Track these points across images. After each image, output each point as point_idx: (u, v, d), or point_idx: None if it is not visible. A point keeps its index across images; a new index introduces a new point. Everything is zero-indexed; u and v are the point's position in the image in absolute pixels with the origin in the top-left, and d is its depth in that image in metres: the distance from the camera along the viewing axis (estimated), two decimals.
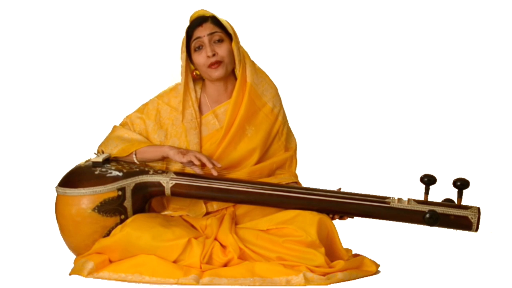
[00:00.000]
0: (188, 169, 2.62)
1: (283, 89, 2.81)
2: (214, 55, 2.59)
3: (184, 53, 2.65)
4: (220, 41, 2.62)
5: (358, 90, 4.20)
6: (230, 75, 2.72)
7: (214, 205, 2.68)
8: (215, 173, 2.51)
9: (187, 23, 2.67)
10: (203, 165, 2.55)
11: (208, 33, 2.59)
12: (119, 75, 4.08)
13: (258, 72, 2.71)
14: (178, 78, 2.72)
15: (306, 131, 3.60)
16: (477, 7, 4.08)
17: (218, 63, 2.60)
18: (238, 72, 2.66)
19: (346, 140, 4.06)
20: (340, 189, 2.60)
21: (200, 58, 2.62)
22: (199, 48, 2.62)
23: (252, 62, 2.71)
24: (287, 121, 2.83)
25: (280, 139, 2.79)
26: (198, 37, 2.60)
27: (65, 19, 4.08)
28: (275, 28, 4.15)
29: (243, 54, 2.67)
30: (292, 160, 2.81)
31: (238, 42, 2.65)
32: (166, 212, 2.69)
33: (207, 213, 2.68)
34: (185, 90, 2.68)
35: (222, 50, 2.61)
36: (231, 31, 2.63)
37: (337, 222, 2.54)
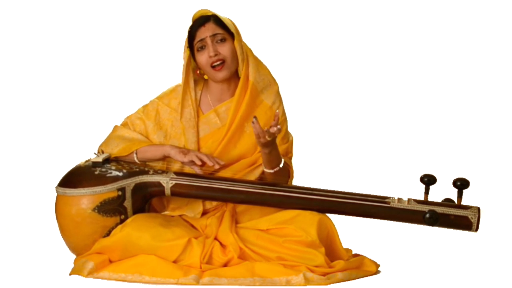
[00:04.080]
0: (188, 169, 2.62)
1: (283, 88, 2.81)
2: (216, 54, 2.60)
3: (186, 52, 2.66)
4: (223, 40, 2.62)
5: (358, 90, 4.20)
6: (233, 74, 2.71)
7: (213, 202, 2.68)
8: (217, 167, 2.52)
9: (188, 23, 2.67)
10: (203, 165, 2.55)
11: (211, 35, 2.60)
12: (120, 75, 4.09)
13: (260, 69, 2.70)
14: (179, 78, 2.72)
15: (306, 130, 3.61)
16: (477, 7, 4.09)
17: (221, 61, 2.61)
18: (241, 70, 2.66)
19: (346, 140, 4.07)
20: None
21: (203, 58, 2.62)
22: (202, 48, 2.62)
23: (255, 58, 2.70)
24: (286, 118, 2.82)
25: (280, 135, 2.77)
26: (202, 39, 2.61)
27: (66, 19, 4.08)
28: (273, 27, 4.16)
29: (246, 52, 2.67)
30: (287, 149, 2.77)
31: (240, 40, 2.65)
32: (166, 212, 2.69)
33: (206, 211, 2.67)
34: (184, 88, 2.68)
35: (224, 50, 2.62)
36: (233, 30, 2.63)
37: (337, 222, 2.54)
